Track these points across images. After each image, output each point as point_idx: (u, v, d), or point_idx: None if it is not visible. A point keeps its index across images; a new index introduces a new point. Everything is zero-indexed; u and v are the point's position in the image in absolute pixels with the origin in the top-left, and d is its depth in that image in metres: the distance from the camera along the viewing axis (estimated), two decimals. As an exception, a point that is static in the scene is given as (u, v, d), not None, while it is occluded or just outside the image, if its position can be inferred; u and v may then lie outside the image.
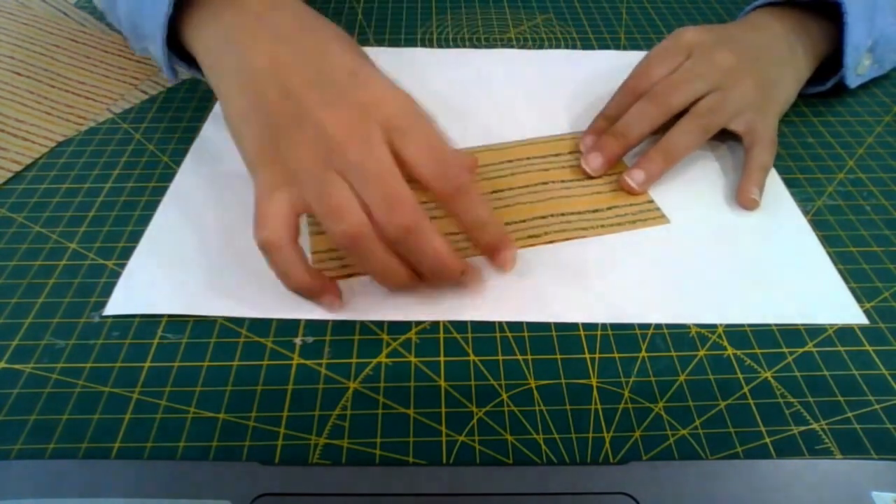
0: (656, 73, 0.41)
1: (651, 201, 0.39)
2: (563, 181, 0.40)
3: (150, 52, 0.40)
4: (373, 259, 0.29)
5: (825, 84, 0.46)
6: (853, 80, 0.46)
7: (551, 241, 0.36)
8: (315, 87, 0.30)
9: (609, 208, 0.39)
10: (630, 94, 0.42)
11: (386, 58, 0.52)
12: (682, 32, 0.43)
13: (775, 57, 0.43)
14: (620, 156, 0.41)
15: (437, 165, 0.29)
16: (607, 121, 0.42)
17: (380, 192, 0.28)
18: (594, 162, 0.40)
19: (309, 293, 0.32)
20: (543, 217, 0.38)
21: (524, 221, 0.38)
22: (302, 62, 0.31)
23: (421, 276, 0.31)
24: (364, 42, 0.54)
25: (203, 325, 0.32)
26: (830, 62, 0.45)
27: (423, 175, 0.29)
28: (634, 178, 0.39)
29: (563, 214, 0.38)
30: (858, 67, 0.46)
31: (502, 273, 0.34)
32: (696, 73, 0.40)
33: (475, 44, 0.54)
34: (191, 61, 0.39)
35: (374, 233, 0.29)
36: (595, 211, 0.38)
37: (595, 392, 0.30)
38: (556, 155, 0.42)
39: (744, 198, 0.39)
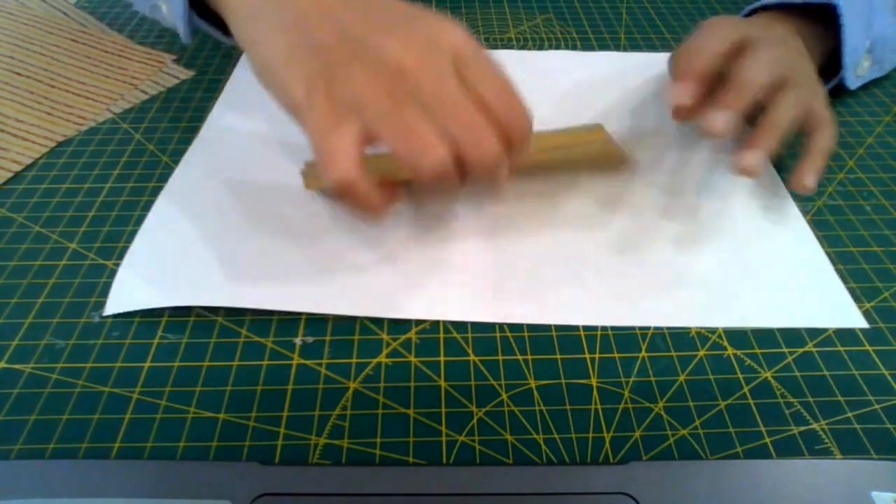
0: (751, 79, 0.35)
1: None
2: None
3: (162, 10, 0.38)
4: (448, 191, 0.27)
5: (825, 86, 0.46)
6: (853, 82, 0.46)
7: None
8: (369, 19, 0.28)
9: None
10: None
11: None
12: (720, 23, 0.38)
13: (796, 44, 0.40)
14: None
15: (507, 102, 0.28)
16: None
17: (464, 125, 0.26)
18: (752, 158, 0.34)
19: (383, 217, 0.29)
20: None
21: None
22: (349, 1, 0.29)
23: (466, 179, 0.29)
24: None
25: (203, 325, 0.32)
26: (829, 64, 0.45)
27: (494, 109, 0.27)
28: (749, 160, 0.34)
29: None
30: (858, 69, 0.46)
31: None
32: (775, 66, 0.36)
33: (475, 44, 0.54)
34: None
35: (454, 167, 0.27)
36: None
37: (595, 392, 0.30)
38: None
39: (797, 181, 0.36)
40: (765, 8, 0.45)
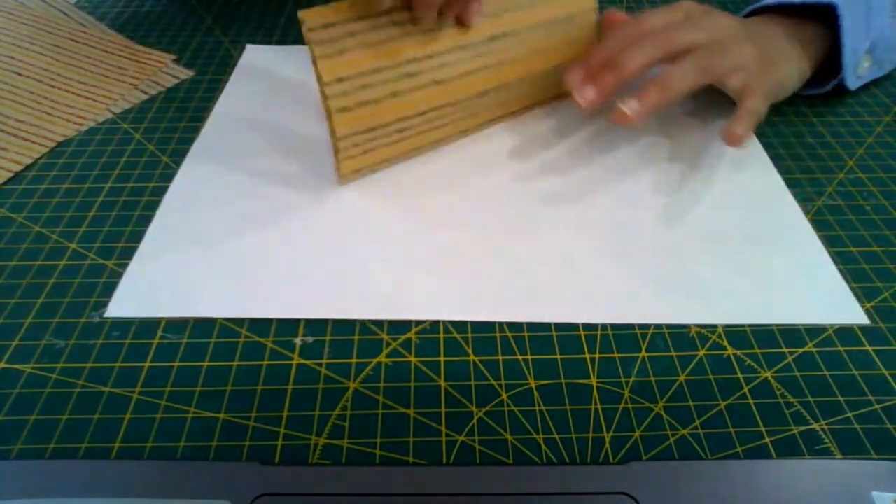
0: (654, 22, 0.40)
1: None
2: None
3: None
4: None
5: (825, 87, 0.46)
6: (853, 83, 0.46)
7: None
8: None
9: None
10: (622, 37, 0.39)
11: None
12: (681, 3, 0.41)
13: (776, 43, 0.42)
14: (615, 89, 0.38)
15: None
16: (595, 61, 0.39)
17: None
18: (588, 93, 0.38)
19: None
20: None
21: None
22: None
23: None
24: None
25: (203, 325, 0.32)
26: (829, 65, 0.45)
27: None
28: (630, 105, 0.37)
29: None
30: (858, 69, 0.46)
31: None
32: (697, 25, 0.39)
33: (475, 44, 0.54)
34: None
35: None
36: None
37: (595, 392, 0.30)
38: None
39: (728, 134, 0.37)
40: (765, 10, 0.45)
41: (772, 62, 0.41)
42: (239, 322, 0.32)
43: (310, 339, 0.32)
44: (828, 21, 0.44)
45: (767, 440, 0.28)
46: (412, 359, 0.31)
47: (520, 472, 0.26)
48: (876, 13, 0.44)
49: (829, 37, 0.44)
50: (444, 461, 0.27)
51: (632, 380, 0.30)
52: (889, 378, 0.31)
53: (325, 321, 0.33)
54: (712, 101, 0.47)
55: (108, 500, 0.24)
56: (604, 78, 0.38)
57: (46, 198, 0.39)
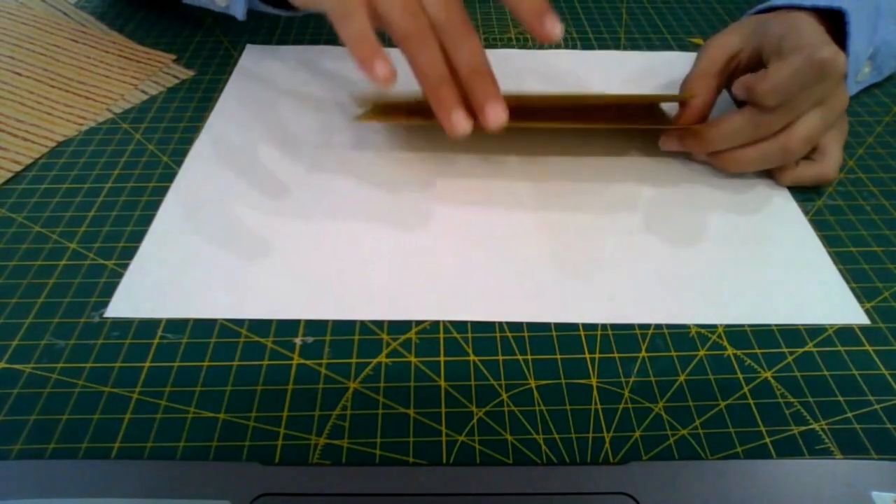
0: (800, 103, 0.36)
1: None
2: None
3: (216, 2, 0.47)
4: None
5: None
6: (852, 88, 0.46)
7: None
8: None
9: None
10: (707, 76, 0.40)
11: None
12: (834, 58, 0.35)
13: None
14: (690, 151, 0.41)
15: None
16: (724, 139, 0.38)
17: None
18: (667, 143, 0.41)
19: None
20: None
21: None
22: None
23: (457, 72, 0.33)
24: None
25: (203, 325, 0.32)
26: None
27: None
28: (668, 145, 0.41)
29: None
30: (858, 75, 0.46)
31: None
32: (823, 123, 0.38)
33: (475, 44, 0.54)
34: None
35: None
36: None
37: (595, 392, 0.30)
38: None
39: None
40: (772, 9, 0.45)
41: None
42: (239, 322, 0.32)
43: (310, 339, 0.32)
44: (834, 25, 0.44)
45: (767, 440, 0.28)
46: (412, 359, 0.31)
47: (520, 472, 0.26)
48: (882, 20, 0.44)
49: (834, 39, 0.44)
50: (444, 461, 0.27)
51: (632, 380, 0.30)
52: (889, 378, 0.31)
53: (325, 321, 0.33)
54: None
55: (108, 500, 0.24)
56: (690, 145, 0.40)
57: (46, 198, 0.39)
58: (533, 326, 0.33)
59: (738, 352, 0.32)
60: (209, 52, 0.53)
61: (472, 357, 0.31)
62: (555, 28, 0.32)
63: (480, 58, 0.33)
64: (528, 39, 0.55)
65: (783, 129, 0.37)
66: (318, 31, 0.55)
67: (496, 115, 0.33)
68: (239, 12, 0.47)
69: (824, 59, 0.35)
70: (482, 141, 0.43)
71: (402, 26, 0.32)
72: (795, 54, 0.35)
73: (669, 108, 0.44)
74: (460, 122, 0.33)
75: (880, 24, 0.44)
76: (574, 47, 0.54)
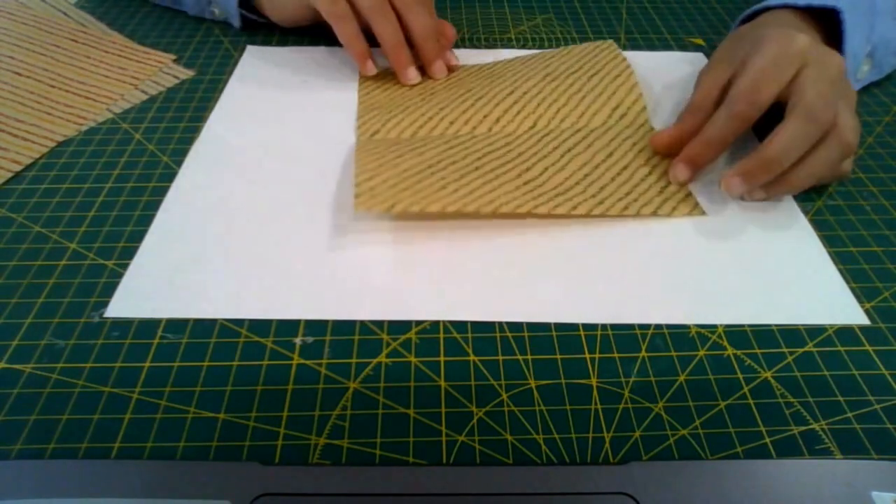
0: (770, 94, 0.36)
1: (690, 193, 0.39)
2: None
3: (214, 12, 0.56)
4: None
5: None
6: (852, 86, 0.46)
7: (580, 214, 0.37)
8: None
9: (644, 180, 0.40)
10: (742, 119, 0.37)
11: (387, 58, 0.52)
12: (793, 38, 0.37)
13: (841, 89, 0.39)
14: (710, 162, 0.39)
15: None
16: (709, 147, 0.38)
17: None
18: (682, 174, 0.39)
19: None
20: (577, 182, 0.38)
21: (557, 186, 0.38)
22: None
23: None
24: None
25: (203, 325, 0.32)
26: None
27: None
28: (734, 187, 0.37)
29: (594, 179, 0.39)
30: (858, 73, 0.46)
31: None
32: (819, 89, 0.36)
33: (475, 44, 0.54)
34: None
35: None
36: (629, 181, 0.39)
37: (595, 392, 0.30)
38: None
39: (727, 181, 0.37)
40: (768, 10, 0.45)
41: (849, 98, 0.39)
42: (239, 322, 0.32)
43: (310, 339, 0.32)
44: (829, 23, 0.44)
45: (767, 440, 0.28)
46: (412, 359, 0.31)
47: (520, 472, 0.26)
48: (879, 17, 0.44)
49: (829, 39, 0.44)
50: (444, 461, 0.27)
51: (632, 380, 0.30)
52: (889, 378, 0.31)
53: (325, 321, 0.33)
54: None
55: (108, 500, 0.24)
56: (701, 157, 0.39)
57: (46, 198, 0.39)
58: (533, 326, 0.33)
59: (738, 352, 0.32)
60: (209, 52, 0.53)
61: (472, 357, 0.31)
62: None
63: (429, 27, 0.46)
64: (527, 39, 0.55)
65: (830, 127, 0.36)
66: (318, 31, 0.55)
67: (439, 70, 0.48)
68: (236, 20, 0.55)
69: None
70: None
71: (367, 4, 0.44)
72: (791, 114, 0.35)
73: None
74: (412, 76, 0.47)
75: (877, 22, 0.44)
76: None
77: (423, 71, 0.48)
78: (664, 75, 0.50)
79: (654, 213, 0.38)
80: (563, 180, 0.39)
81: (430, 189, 0.36)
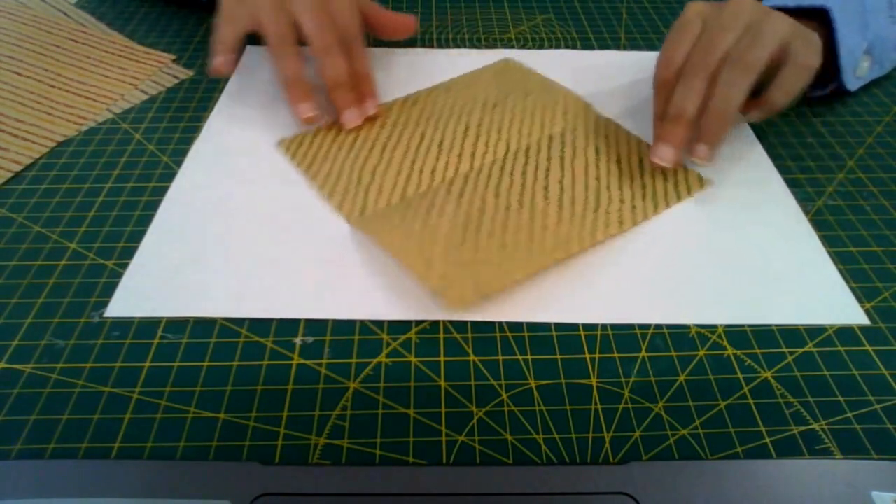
0: (681, 53, 0.39)
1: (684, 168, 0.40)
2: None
3: None
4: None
5: (825, 89, 0.46)
6: (853, 83, 0.46)
7: (610, 235, 0.36)
8: None
9: (652, 182, 0.40)
10: (666, 86, 0.40)
11: (386, 58, 0.52)
12: (689, 6, 0.41)
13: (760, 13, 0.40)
14: (688, 138, 0.38)
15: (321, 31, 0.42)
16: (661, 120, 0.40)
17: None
18: (666, 153, 0.39)
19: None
20: (595, 209, 0.38)
21: (581, 218, 0.37)
22: None
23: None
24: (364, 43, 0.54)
25: (203, 325, 0.32)
26: (829, 66, 0.45)
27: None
28: (699, 153, 0.38)
29: (610, 203, 0.38)
30: (857, 70, 0.46)
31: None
32: (721, 26, 0.38)
33: (475, 44, 0.54)
34: None
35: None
36: (643, 189, 0.39)
37: (595, 392, 0.30)
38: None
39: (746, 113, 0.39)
40: None
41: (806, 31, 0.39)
42: (239, 322, 0.32)
43: (310, 339, 0.32)
44: (823, 23, 0.44)
45: (767, 440, 0.28)
46: (412, 359, 0.31)
47: (520, 472, 0.26)
48: (871, 14, 0.44)
49: (825, 37, 0.44)
50: (444, 461, 0.27)
51: (632, 380, 0.30)
52: (889, 378, 0.31)
53: (325, 321, 0.33)
54: None
55: (108, 500, 0.24)
56: (673, 133, 0.38)
57: (46, 198, 0.39)
58: (533, 326, 0.33)
59: (738, 352, 0.32)
60: (209, 52, 0.53)
61: (472, 357, 0.31)
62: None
63: (366, 67, 0.44)
64: (527, 39, 0.55)
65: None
66: (318, 31, 0.55)
67: (372, 107, 0.44)
68: None
69: None
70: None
71: (316, 42, 0.41)
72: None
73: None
74: (351, 119, 0.43)
75: (871, 19, 0.44)
76: (574, 47, 0.54)
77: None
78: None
79: (678, 201, 0.39)
80: (582, 204, 0.38)
81: (497, 255, 0.34)
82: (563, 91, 0.48)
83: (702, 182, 0.40)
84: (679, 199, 0.39)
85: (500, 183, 0.39)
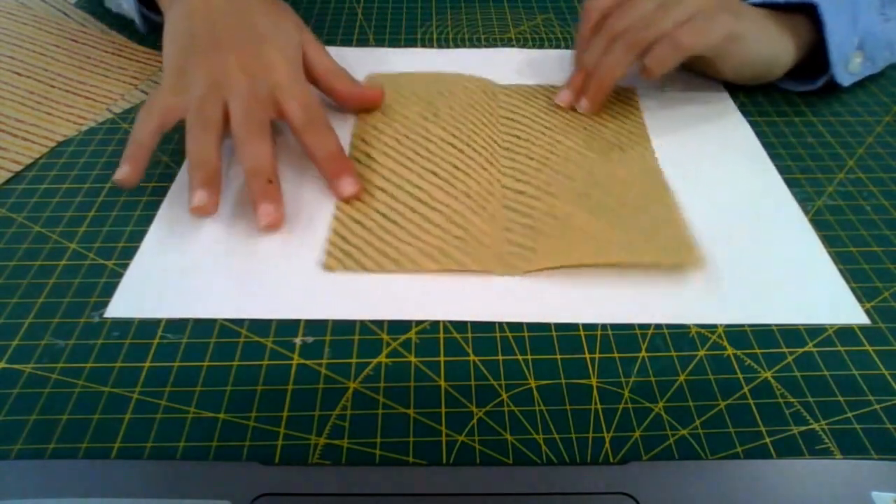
0: (599, 7, 0.44)
1: (691, 241, 0.36)
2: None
3: (124, 7, 0.52)
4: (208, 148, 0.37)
5: (815, 83, 0.47)
6: (845, 79, 0.46)
7: (567, 264, 0.35)
8: (235, 33, 0.40)
9: (644, 232, 0.36)
10: (583, 39, 0.45)
11: (386, 58, 0.52)
12: None
13: (748, 12, 0.44)
14: (605, 96, 0.44)
15: (304, 113, 0.39)
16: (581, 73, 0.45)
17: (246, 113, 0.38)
18: (563, 95, 0.45)
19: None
20: (567, 233, 0.36)
21: (547, 238, 0.36)
22: (230, 10, 0.41)
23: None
24: (364, 42, 0.54)
25: (203, 325, 0.32)
26: (821, 61, 0.46)
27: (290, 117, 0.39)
28: (582, 105, 0.45)
29: (587, 229, 0.36)
30: (850, 65, 0.46)
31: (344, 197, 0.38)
32: (666, 11, 0.41)
33: (475, 44, 0.55)
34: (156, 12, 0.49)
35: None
36: (626, 231, 0.36)
37: (595, 392, 0.30)
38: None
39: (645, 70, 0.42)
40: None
41: (728, 10, 0.42)
42: (239, 322, 0.32)
43: (310, 339, 0.32)
44: (812, 17, 0.44)
45: (767, 440, 0.28)
46: (412, 359, 0.31)
47: (520, 472, 0.26)
48: (862, 9, 0.44)
49: (815, 31, 0.44)
50: (444, 461, 0.27)
51: (632, 380, 0.30)
52: (889, 378, 0.31)
53: (325, 321, 0.33)
54: (711, 107, 0.47)
55: (108, 500, 0.24)
56: (573, 80, 0.45)
57: (46, 198, 0.39)
58: (533, 326, 0.33)
59: (738, 352, 0.32)
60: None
61: (472, 357, 0.31)
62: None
63: (335, 146, 0.39)
64: (527, 39, 0.55)
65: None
66: (317, 31, 0.55)
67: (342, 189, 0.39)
68: (140, 23, 0.51)
69: None
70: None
71: (299, 121, 0.39)
72: None
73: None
74: (347, 188, 0.38)
75: (861, 15, 0.44)
76: (574, 47, 0.54)
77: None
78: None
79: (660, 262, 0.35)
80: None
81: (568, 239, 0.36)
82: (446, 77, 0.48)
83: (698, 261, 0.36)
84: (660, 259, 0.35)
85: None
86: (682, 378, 0.31)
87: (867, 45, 0.46)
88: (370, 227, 0.37)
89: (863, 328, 0.33)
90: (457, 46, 0.54)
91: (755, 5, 0.45)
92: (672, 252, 0.35)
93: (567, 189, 0.39)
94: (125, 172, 0.36)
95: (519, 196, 0.39)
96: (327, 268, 0.34)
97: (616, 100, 0.47)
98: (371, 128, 0.44)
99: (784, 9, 0.45)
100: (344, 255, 0.35)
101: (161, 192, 0.39)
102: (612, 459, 0.27)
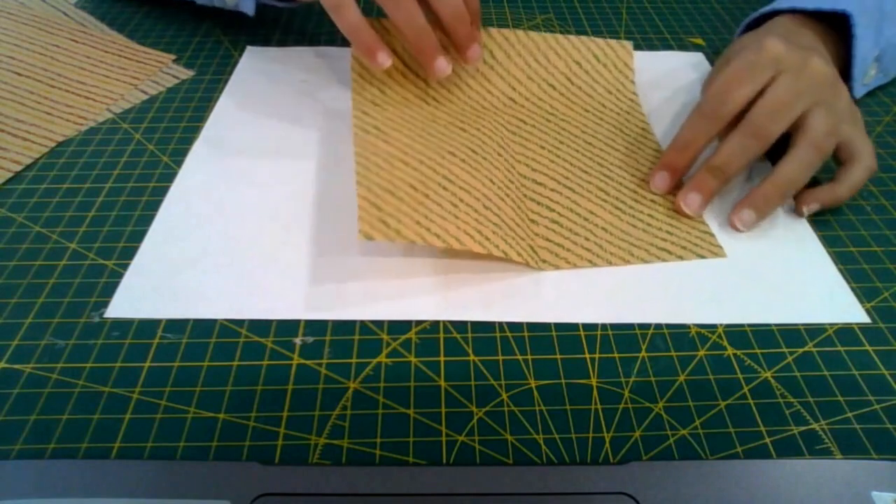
0: (741, 95, 0.37)
1: (709, 232, 0.37)
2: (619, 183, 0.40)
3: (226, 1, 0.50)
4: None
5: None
6: (859, 91, 0.46)
7: (598, 264, 0.35)
8: None
9: (663, 229, 0.37)
10: (712, 119, 0.37)
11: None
12: (764, 45, 0.37)
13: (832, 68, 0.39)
14: (718, 192, 0.38)
15: None
16: (682, 151, 0.38)
17: None
18: (693, 203, 0.37)
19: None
20: (594, 232, 0.37)
21: (574, 236, 0.36)
22: None
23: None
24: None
25: (203, 325, 0.32)
26: (840, 72, 0.45)
27: None
28: (744, 217, 0.37)
29: (611, 230, 0.37)
30: (864, 78, 0.46)
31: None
32: (794, 91, 0.36)
33: (475, 44, 0.54)
34: None
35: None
36: (647, 229, 0.37)
37: (595, 392, 0.30)
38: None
39: (798, 207, 0.38)
40: (776, 13, 0.45)
41: (839, 97, 0.39)
42: (239, 322, 0.32)
43: (310, 339, 0.32)
44: (839, 27, 0.44)
45: (767, 440, 0.28)
46: (412, 359, 0.31)
47: (520, 472, 0.26)
48: (886, 21, 0.44)
49: (839, 42, 0.44)
50: (444, 461, 0.27)
51: (632, 380, 0.30)
52: (889, 378, 0.31)
53: (325, 321, 0.33)
54: None
55: (108, 500, 0.24)
56: (707, 185, 0.37)
57: (46, 198, 0.39)
58: (533, 326, 0.33)
59: (738, 352, 0.32)
60: (209, 52, 0.53)
61: (472, 357, 0.31)
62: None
63: (460, 6, 0.38)
64: (528, 39, 0.55)
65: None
66: (317, 31, 0.55)
67: (474, 54, 0.40)
68: (249, 8, 0.50)
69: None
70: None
71: None
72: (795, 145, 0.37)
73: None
74: (441, 68, 0.39)
75: (885, 26, 0.44)
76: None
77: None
78: (663, 75, 0.50)
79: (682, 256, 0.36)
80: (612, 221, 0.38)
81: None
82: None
83: (719, 251, 0.37)
84: (685, 255, 0.36)
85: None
86: (682, 378, 0.31)
87: (885, 57, 0.45)
88: (402, 197, 0.34)
89: (863, 328, 0.33)
90: (457, 46, 0.54)
91: (788, 11, 0.44)
92: (694, 246, 0.36)
93: (584, 183, 0.40)
94: (385, 59, 0.38)
95: (539, 188, 0.39)
96: (364, 235, 0.31)
97: (608, 72, 0.47)
98: (370, 103, 0.42)
99: (813, 16, 0.44)
100: (380, 222, 0.32)
101: (161, 192, 0.39)
102: (612, 459, 0.27)
